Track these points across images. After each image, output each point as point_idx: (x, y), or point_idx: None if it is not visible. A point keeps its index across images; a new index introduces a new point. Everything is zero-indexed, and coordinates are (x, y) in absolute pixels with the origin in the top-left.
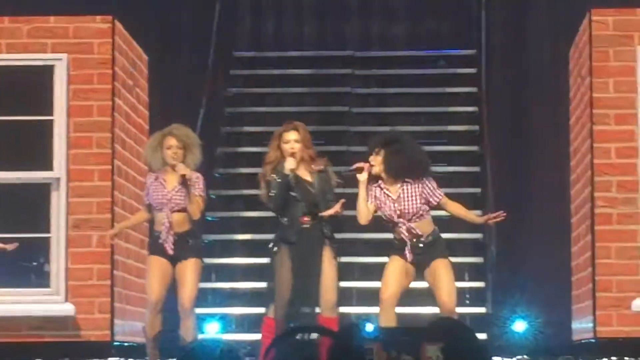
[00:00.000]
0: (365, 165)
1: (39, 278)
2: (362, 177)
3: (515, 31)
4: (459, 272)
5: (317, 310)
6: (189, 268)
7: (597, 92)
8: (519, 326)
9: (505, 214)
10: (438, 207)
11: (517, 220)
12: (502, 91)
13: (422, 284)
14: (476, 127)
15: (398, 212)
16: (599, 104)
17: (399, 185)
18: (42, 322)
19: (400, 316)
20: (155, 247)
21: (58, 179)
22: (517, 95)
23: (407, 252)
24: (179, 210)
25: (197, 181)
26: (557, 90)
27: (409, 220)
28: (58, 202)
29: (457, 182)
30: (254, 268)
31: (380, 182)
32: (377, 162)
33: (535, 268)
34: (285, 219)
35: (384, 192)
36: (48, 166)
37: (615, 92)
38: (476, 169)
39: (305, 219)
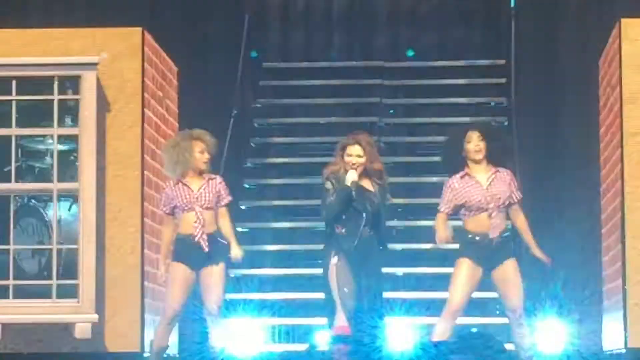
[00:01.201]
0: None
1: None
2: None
3: (545, 41)
4: (490, 284)
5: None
6: (217, 272)
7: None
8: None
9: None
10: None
11: (548, 232)
12: (532, 101)
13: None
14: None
15: (489, 197)
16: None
17: (490, 173)
18: (71, 334)
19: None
20: (180, 253)
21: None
22: (546, 106)
23: (492, 239)
24: (207, 209)
25: (222, 184)
26: (587, 99)
27: (497, 209)
28: (87, 214)
29: None
30: (283, 279)
31: (466, 170)
32: (479, 147)
33: (566, 278)
34: (344, 229)
35: (473, 180)
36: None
37: None
38: None
39: (367, 229)
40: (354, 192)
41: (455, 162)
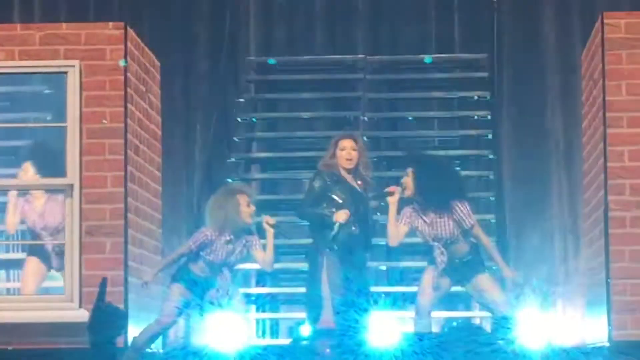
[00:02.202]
0: (397, 189)
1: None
2: (393, 199)
3: (527, 35)
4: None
5: None
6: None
7: (610, 95)
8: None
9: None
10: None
11: (530, 224)
12: (515, 95)
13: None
14: (489, 132)
15: (432, 235)
16: (611, 106)
17: (432, 210)
18: (56, 329)
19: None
20: (187, 282)
21: (71, 186)
22: (529, 99)
23: (439, 273)
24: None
25: (257, 244)
26: (570, 93)
27: (445, 244)
28: (71, 209)
29: (470, 187)
30: (267, 272)
31: (415, 204)
32: (407, 183)
33: (549, 272)
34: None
35: (419, 215)
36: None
37: (628, 94)
38: (489, 173)
39: (354, 228)
40: (334, 232)
41: None
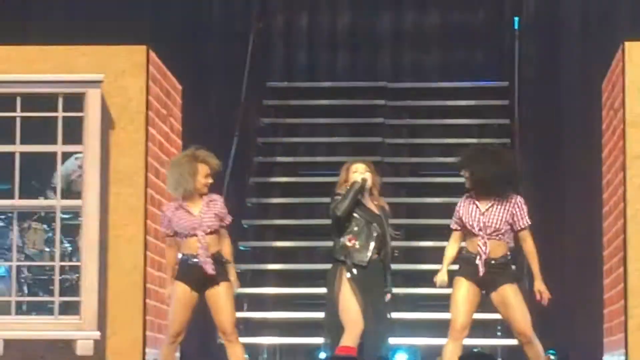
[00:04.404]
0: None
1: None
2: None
3: (548, 63)
4: (491, 304)
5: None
6: (224, 292)
7: (630, 125)
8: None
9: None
10: (517, 238)
11: (549, 252)
12: (535, 123)
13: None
14: None
15: (482, 223)
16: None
17: (491, 199)
18: (73, 351)
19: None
20: (183, 273)
21: (88, 209)
22: (549, 128)
23: (479, 264)
24: (209, 233)
25: (222, 205)
26: (590, 122)
27: (489, 235)
28: (90, 231)
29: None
30: (285, 298)
31: (472, 193)
32: (465, 178)
33: (567, 301)
34: (357, 242)
35: (474, 203)
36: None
37: None
38: None
39: (375, 252)
40: (364, 185)
41: None
